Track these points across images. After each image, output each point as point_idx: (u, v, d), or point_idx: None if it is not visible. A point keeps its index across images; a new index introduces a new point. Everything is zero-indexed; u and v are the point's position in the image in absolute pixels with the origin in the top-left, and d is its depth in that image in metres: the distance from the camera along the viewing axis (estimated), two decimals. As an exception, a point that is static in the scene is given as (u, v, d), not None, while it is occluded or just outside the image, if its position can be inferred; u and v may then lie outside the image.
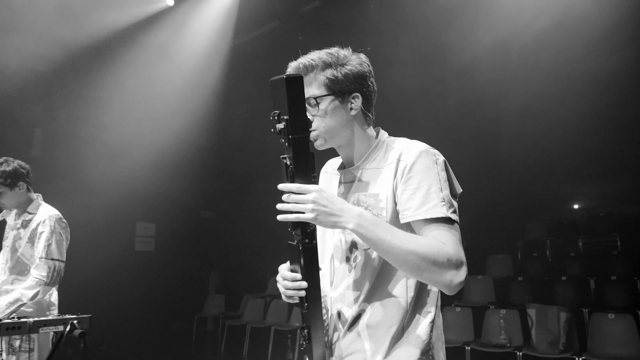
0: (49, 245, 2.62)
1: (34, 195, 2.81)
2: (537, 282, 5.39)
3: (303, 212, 1.08)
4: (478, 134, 6.44)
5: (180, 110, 6.17)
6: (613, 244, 6.05)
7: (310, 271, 1.15)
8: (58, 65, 5.50)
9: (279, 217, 1.11)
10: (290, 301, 1.24)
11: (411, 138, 1.33)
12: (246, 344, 6.02)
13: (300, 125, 1.10)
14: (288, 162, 1.12)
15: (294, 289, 1.17)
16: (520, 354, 4.25)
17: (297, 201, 1.09)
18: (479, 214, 7.14)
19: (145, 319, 6.80)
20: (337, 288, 1.30)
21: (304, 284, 1.15)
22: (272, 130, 1.12)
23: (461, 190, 1.26)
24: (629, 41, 5.20)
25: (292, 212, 1.09)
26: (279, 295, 6.34)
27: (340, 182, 1.37)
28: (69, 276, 5.75)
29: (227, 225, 8.38)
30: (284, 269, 1.23)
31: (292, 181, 1.11)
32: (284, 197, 1.10)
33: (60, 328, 1.84)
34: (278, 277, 1.24)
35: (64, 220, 2.76)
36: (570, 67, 5.52)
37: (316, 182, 1.13)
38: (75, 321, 1.86)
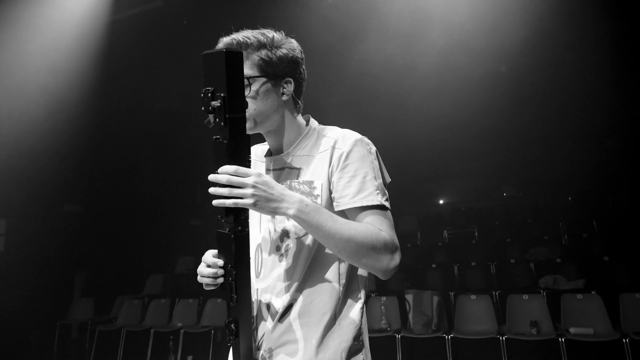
0: None
1: None
2: (412, 270, 5.89)
3: (241, 198, 1.02)
4: (374, 126, 6.79)
5: (47, 89, 5.36)
6: (472, 234, 6.91)
7: (242, 261, 1.08)
8: None
9: (215, 202, 1.03)
10: (209, 288, 1.18)
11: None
12: (120, 350, 5.51)
13: (238, 103, 1.03)
14: (225, 143, 1.04)
15: (210, 277, 1.12)
16: (399, 336, 4.59)
17: (235, 185, 1.02)
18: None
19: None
20: (266, 279, 1.25)
21: (221, 271, 1.10)
22: (203, 108, 1.03)
23: (390, 179, 1.30)
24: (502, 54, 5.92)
25: (228, 197, 1.02)
26: (158, 295, 5.89)
27: (268, 170, 1.33)
28: None
29: (95, 220, 7.54)
30: (209, 255, 1.17)
31: (227, 164, 1.04)
32: (211, 177, 1.03)
33: None
34: (200, 266, 1.18)
35: None
36: (447, 73, 6.12)
37: (250, 165, 1.08)
38: None
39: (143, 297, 6.35)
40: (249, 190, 1.02)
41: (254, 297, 1.26)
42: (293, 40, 1.30)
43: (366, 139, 1.26)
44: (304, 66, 1.31)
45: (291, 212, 1.06)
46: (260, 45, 1.21)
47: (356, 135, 1.25)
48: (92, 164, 7.06)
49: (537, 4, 5.28)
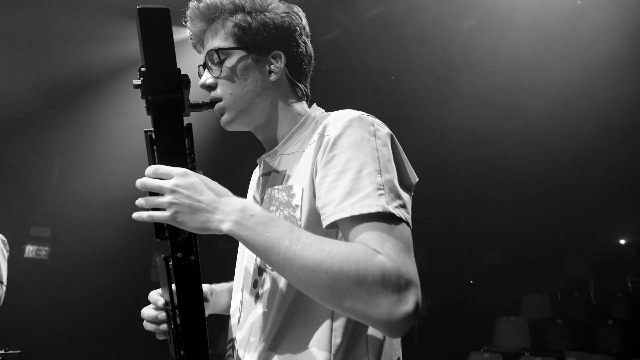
0: None
1: None
2: (578, 326, 4.79)
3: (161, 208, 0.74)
4: (510, 158, 5.99)
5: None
6: (668, 283, 5.36)
7: (185, 302, 0.76)
8: (79, 93, 5.58)
9: (133, 215, 0.77)
10: (160, 337, 0.91)
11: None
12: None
13: (162, 80, 0.75)
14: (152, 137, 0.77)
15: (153, 322, 0.86)
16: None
17: (153, 191, 0.75)
18: (511, 247, 6.56)
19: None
20: (243, 327, 0.93)
21: (162, 314, 0.83)
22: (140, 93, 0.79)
23: (417, 179, 0.88)
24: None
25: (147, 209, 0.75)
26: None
27: (259, 175, 1.02)
28: (82, 305, 5.55)
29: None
30: (155, 292, 0.91)
31: (154, 163, 0.77)
32: (137, 183, 0.76)
33: (-18, 365, 1.61)
34: (146, 307, 0.93)
35: (7, 244, 2.70)
36: (617, 97, 5.06)
37: (192, 167, 0.79)
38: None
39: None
40: (167, 198, 0.73)
41: (233, 353, 0.95)
42: (295, 7, 0.99)
43: (370, 118, 0.85)
44: (305, 38, 0.98)
45: (225, 226, 0.73)
46: (237, 9, 0.93)
47: (353, 114, 0.85)
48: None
49: None
